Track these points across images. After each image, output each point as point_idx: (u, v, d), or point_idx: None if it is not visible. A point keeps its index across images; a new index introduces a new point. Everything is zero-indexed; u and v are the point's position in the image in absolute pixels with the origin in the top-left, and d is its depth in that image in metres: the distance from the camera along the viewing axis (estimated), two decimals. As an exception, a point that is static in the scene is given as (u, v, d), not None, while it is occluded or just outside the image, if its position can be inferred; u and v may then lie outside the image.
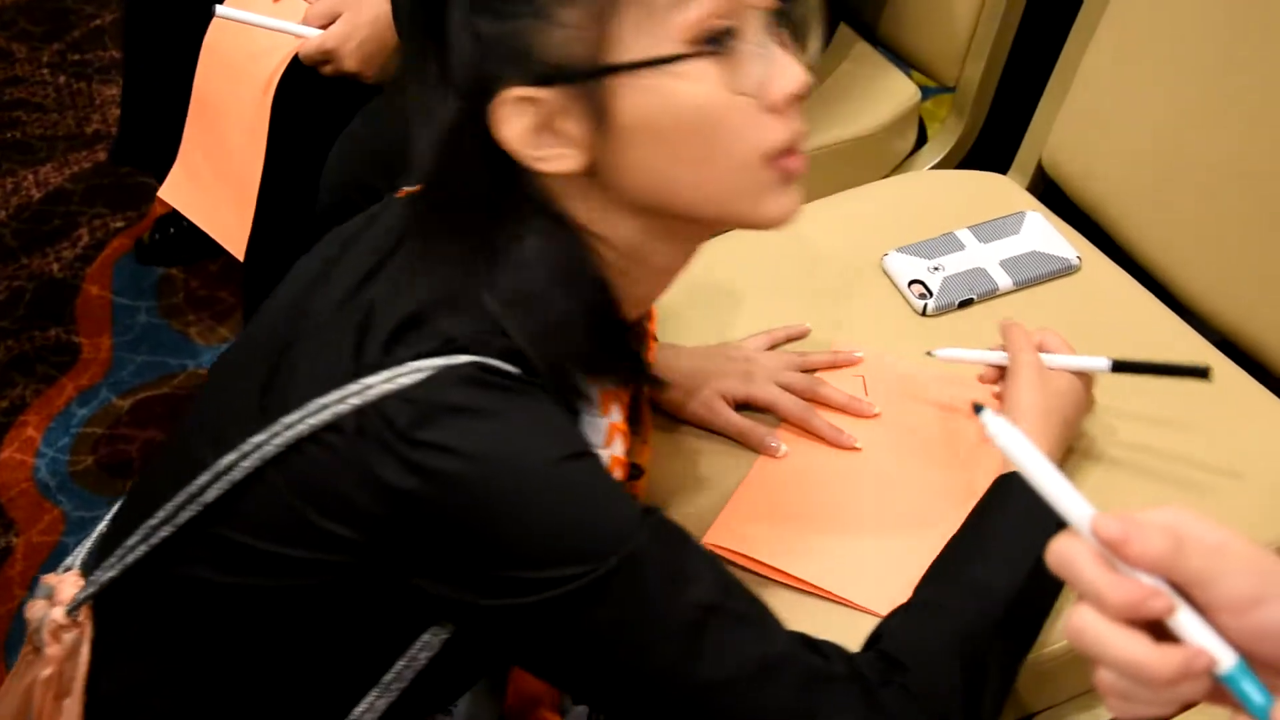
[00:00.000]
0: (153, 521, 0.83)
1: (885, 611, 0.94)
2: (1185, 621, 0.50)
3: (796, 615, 1.00)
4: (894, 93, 1.59)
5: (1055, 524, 0.91)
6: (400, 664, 0.83)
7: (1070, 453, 1.06)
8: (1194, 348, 1.22)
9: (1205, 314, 1.25)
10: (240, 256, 1.42)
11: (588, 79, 0.73)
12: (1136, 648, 0.50)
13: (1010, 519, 0.92)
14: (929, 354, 1.10)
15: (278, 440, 0.78)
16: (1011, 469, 0.94)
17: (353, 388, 0.75)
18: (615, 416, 0.87)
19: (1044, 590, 0.91)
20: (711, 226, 0.83)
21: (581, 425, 0.84)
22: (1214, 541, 0.50)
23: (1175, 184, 1.25)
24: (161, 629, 0.87)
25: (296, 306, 0.86)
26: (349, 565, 0.78)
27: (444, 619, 0.82)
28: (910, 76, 1.63)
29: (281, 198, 1.41)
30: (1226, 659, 0.49)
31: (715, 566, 0.81)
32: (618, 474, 0.88)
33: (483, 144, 0.76)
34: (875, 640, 0.86)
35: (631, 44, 0.72)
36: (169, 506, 0.82)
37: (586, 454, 0.78)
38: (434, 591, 0.77)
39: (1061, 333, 1.05)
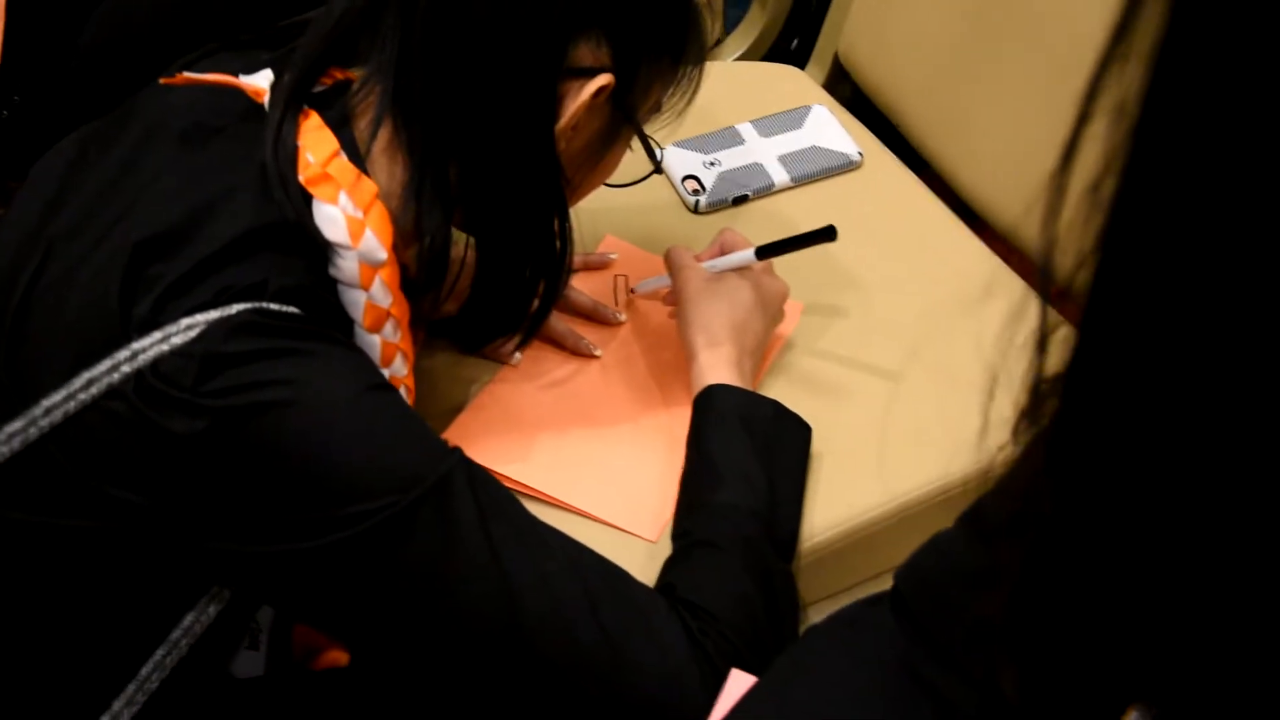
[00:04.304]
0: None
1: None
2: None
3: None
4: (693, -22, 1.49)
5: (768, 418, 0.93)
6: (189, 618, 0.78)
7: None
8: (970, 251, 1.18)
9: (987, 215, 1.22)
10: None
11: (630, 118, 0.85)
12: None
13: (726, 432, 0.91)
14: (631, 291, 1.09)
15: (41, 423, 0.72)
16: (707, 384, 0.94)
17: (122, 355, 0.70)
18: (392, 334, 0.82)
19: (789, 483, 0.92)
20: None
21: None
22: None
23: (959, 80, 1.21)
24: None
25: (32, 239, 0.78)
26: (134, 532, 0.72)
27: (233, 579, 0.77)
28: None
29: (33, 41, 1.32)
30: None
31: (519, 502, 0.78)
32: (403, 395, 0.84)
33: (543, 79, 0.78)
34: (669, 592, 0.82)
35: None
36: None
37: (388, 386, 0.76)
38: (226, 549, 0.72)
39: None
